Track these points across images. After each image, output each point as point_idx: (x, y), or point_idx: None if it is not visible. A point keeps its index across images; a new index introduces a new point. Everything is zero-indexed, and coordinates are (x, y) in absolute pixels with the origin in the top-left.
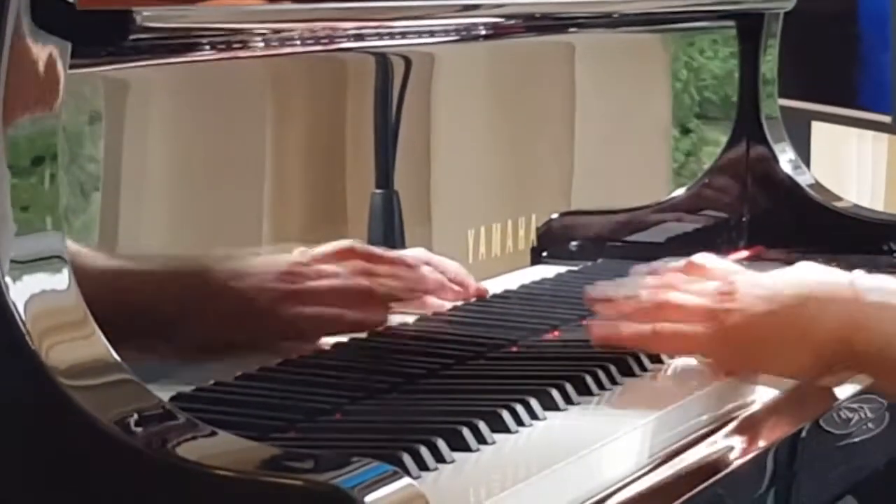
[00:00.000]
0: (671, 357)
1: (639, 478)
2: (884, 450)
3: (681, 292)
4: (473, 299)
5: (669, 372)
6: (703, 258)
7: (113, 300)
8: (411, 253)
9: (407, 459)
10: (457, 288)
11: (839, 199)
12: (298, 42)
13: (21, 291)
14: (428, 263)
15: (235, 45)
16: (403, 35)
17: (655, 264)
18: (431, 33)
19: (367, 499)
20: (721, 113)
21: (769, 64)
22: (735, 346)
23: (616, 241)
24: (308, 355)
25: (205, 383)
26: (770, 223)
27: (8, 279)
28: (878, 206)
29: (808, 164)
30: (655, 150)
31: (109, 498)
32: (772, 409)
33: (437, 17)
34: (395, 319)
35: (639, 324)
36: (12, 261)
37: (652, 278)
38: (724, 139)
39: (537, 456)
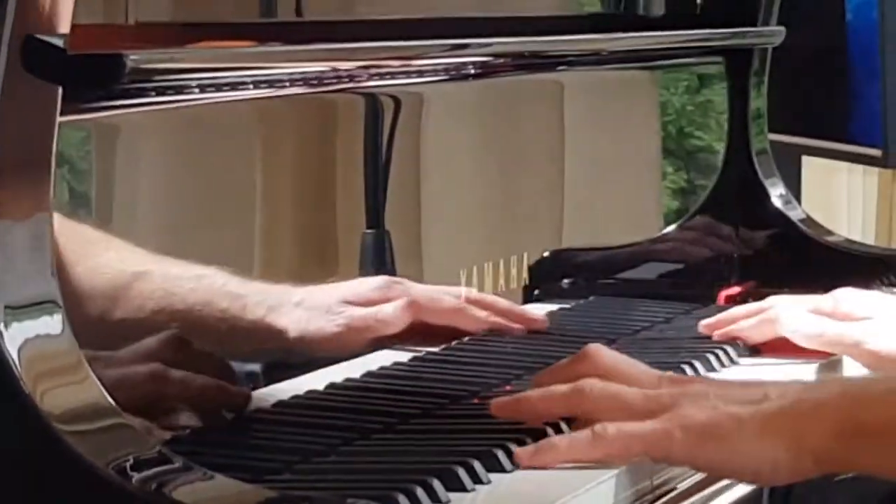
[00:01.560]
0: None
1: None
2: (881, 483)
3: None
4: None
5: None
6: (596, 349)
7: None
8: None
9: (402, 500)
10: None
11: (831, 233)
12: (288, 84)
13: (15, 336)
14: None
15: (225, 88)
16: (392, 75)
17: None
18: (420, 73)
19: None
20: (711, 149)
21: (758, 99)
22: (686, 436)
23: (608, 279)
24: (301, 396)
25: (199, 425)
26: (762, 259)
27: (1, 325)
28: (870, 239)
29: (798, 199)
30: (645, 187)
31: None
32: None
33: (425, 58)
34: (388, 359)
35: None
36: (6, 306)
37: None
38: (714, 175)
39: (533, 496)
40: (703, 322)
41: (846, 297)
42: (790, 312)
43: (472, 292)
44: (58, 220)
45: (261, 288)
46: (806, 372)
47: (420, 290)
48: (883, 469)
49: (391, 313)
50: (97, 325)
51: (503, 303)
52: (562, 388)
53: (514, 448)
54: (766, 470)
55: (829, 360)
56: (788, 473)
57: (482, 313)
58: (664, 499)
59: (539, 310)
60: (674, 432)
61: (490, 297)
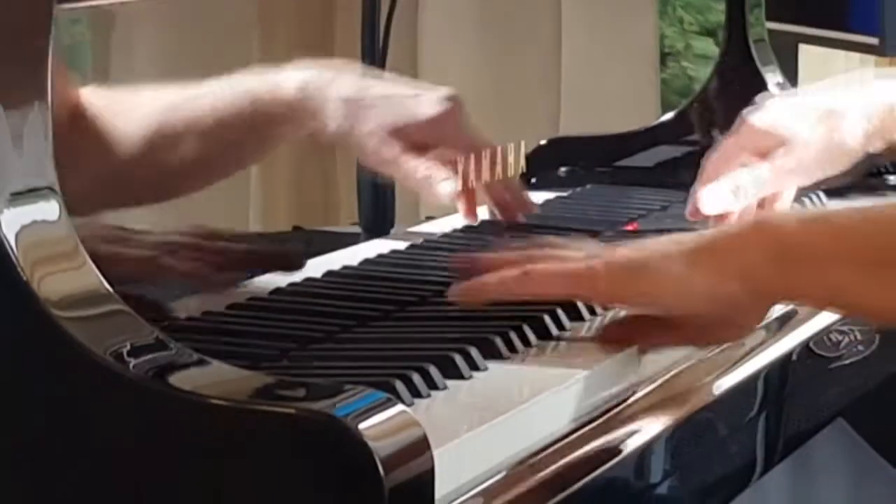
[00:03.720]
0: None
1: (633, 402)
2: (873, 372)
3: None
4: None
5: None
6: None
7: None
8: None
9: (400, 387)
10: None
11: None
12: None
13: (11, 223)
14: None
15: None
16: None
17: None
18: None
19: (361, 426)
20: (709, 37)
21: None
22: (617, 274)
23: (605, 167)
24: (298, 284)
25: (196, 313)
26: None
27: None
28: None
29: (795, 88)
30: (643, 75)
31: (102, 428)
32: (762, 333)
33: None
34: (386, 247)
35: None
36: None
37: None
38: (712, 63)
39: (531, 381)
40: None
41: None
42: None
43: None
44: None
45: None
46: None
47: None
48: (806, 297)
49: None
50: None
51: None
52: (513, 272)
53: (511, 335)
54: (692, 297)
55: None
56: (713, 299)
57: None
58: (683, 373)
59: (537, 198)
60: (598, 269)
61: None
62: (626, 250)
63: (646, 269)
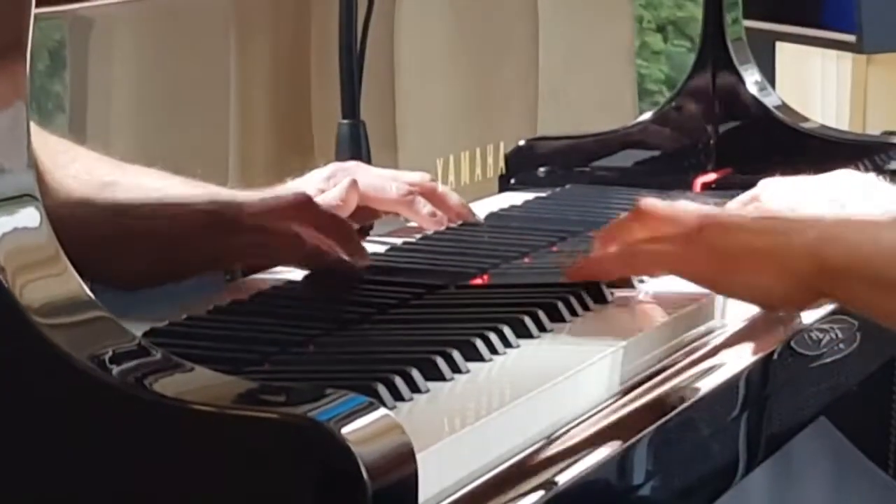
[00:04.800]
0: (651, 278)
1: (611, 405)
2: (855, 370)
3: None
4: (444, 227)
5: (640, 297)
6: (650, 205)
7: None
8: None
9: (382, 390)
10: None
11: (806, 119)
12: None
13: None
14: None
15: None
16: None
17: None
18: None
19: (344, 430)
20: (686, 36)
21: None
22: (708, 260)
23: (583, 167)
24: (279, 287)
25: (177, 318)
26: (738, 145)
27: None
28: (843, 125)
29: (773, 86)
30: (621, 75)
31: (87, 435)
32: (743, 332)
33: None
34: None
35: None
36: None
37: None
38: (689, 62)
39: (512, 384)
40: None
41: (768, 187)
42: None
43: (426, 181)
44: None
45: (236, 178)
46: None
47: (367, 176)
48: (851, 303)
49: (336, 195)
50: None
51: (454, 198)
52: (614, 251)
53: (492, 337)
54: (772, 295)
55: None
56: (788, 299)
57: (427, 209)
58: (665, 374)
59: (516, 198)
60: (699, 256)
61: (441, 191)
62: (724, 232)
63: (735, 269)
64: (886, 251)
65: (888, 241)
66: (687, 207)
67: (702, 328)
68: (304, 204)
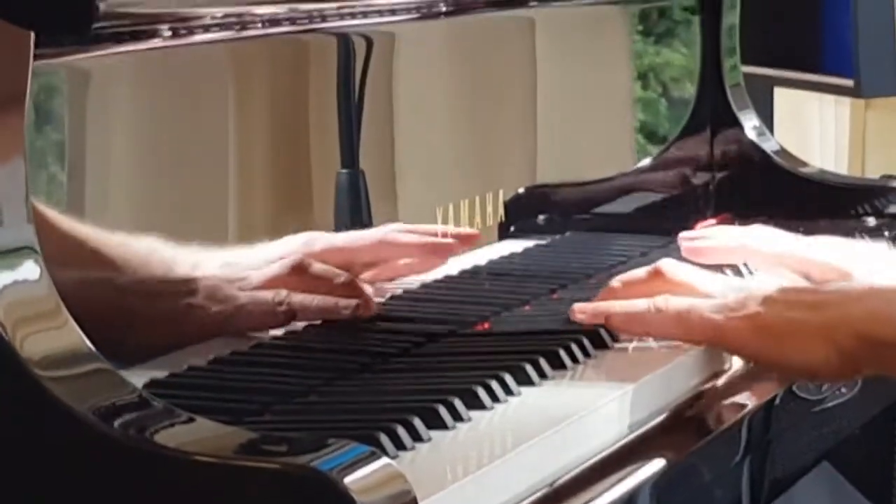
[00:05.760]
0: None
1: (614, 451)
2: (857, 414)
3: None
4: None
5: (641, 343)
6: (670, 267)
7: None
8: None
9: (384, 439)
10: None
11: (805, 164)
12: (260, 25)
13: None
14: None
15: (197, 30)
16: (364, 14)
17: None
18: (392, 12)
19: (346, 480)
20: (684, 84)
21: (731, 32)
22: (752, 334)
23: (583, 214)
24: (280, 337)
25: (179, 369)
26: (737, 190)
27: None
28: (842, 170)
29: (771, 131)
30: (619, 121)
31: (88, 488)
32: (745, 377)
33: None
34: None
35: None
36: None
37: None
38: (688, 108)
39: (514, 431)
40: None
41: (758, 234)
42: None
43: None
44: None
45: (235, 231)
46: None
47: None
48: None
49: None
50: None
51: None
52: (641, 304)
53: (493, 385)
54: (814, 368)
55: None
56: (830, 373)
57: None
58: (668, 420)
59: (516, 246)
60: (745, 329)
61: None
62: (765, 311)
63: (780, 342)
64: None
65: None
66: (705, 277)
67: (702, 375)
68: (298, 267)
